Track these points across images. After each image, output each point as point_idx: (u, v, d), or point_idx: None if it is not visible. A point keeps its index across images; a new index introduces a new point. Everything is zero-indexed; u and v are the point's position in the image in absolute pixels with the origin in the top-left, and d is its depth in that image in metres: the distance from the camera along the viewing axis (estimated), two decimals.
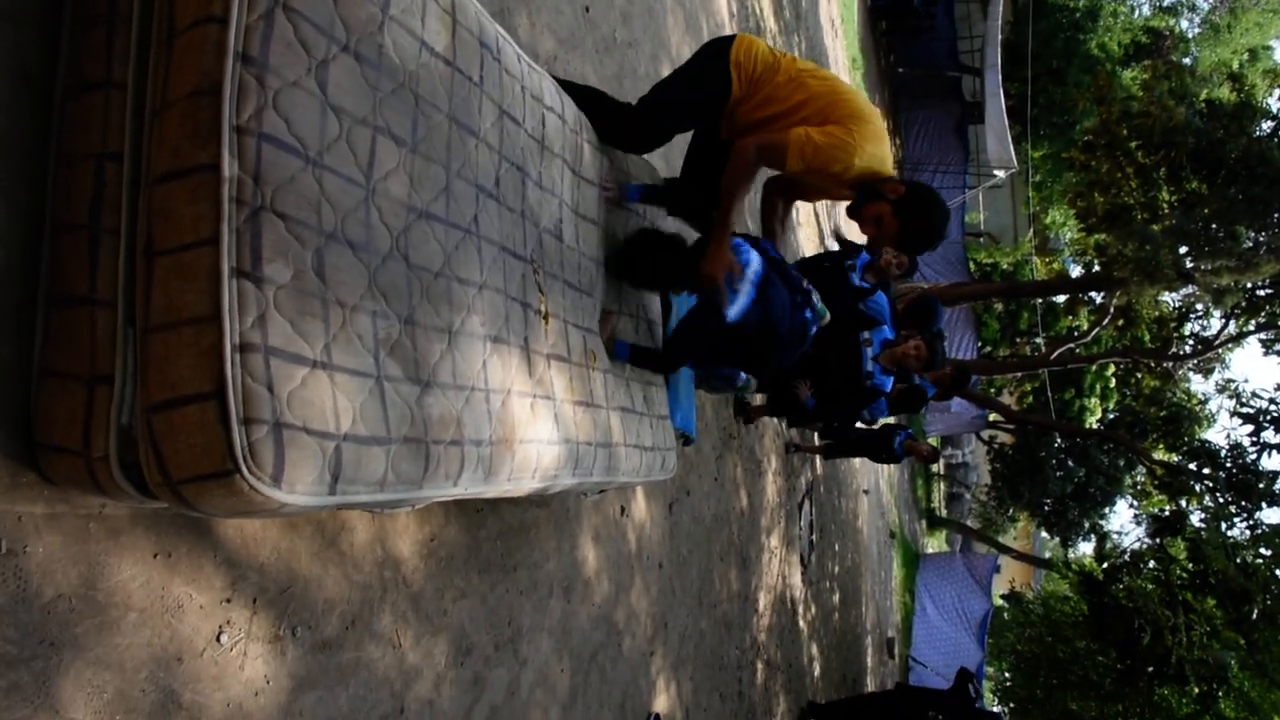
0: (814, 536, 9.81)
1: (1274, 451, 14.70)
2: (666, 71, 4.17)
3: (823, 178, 3.36)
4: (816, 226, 12.22)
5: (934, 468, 38.02)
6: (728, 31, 7.86)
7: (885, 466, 20.66)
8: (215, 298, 1.56)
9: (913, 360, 6.19)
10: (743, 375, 4.97)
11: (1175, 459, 18.32)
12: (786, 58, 3.39)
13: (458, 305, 2.21)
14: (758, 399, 7.76)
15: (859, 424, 8.73)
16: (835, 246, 12.95)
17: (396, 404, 1.90)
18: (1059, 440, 25.51)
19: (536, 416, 2.52)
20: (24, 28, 1.73)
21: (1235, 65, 22.90)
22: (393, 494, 1.87)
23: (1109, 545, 19.28)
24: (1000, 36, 20.60)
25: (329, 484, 1.68)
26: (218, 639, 1.99)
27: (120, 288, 1.65)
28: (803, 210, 11.07)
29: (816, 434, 9.59)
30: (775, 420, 8.59)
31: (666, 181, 4.01)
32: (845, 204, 3.60)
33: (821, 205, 13.16)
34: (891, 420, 9.16)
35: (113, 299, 1.65)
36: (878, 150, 3.24)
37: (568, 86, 3.54)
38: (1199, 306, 19.10)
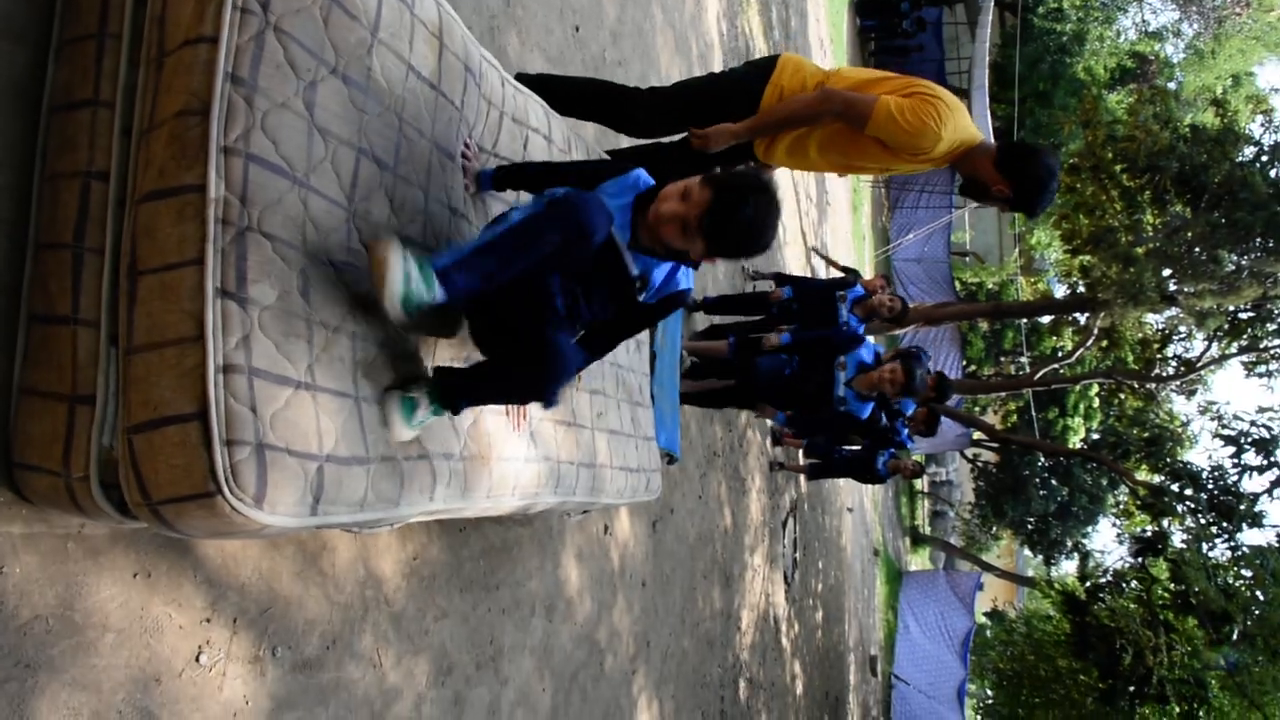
0: (797, 554, 9.80)
1: (1255, 473, 14.76)
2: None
3: (889, 151, 3.30)
4: (803, 244, 12.25)
5: (918, 485, 38.06)
6: (717, 52, 7.91)
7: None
8: (199, 318, 1.55)
9: (889, 385, 6.07)
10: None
11: (1157, 479, 18.38)
12: (841, 70, 3.43)
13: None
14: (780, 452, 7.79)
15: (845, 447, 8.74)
16: (821, 267, 13.00)
17: (372, 424, 1.90)
18: (1042, 459, 25.59)
19: (512, 434, 2.52)
20: (15, 44, 1.72)
21: (1219, 90, 23.05)
22: (372, 513, 1.86)
23: (1091, 564, 19.32)
24: (988, 58, 20.72)
25: (311, 505, 1.67)
26: (197, 659, 1.98)
27: (104, 307, 1.64)
28: (789, 228, 11.11)
29: (801, 453, 9.57)
30: (760, 439, 8.59)
31: (614, 152, 4.00)
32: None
33: (809, 224, 13.20)
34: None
35: (96, 318, 1.64)
36: (961, 119, 3.23)
37: (570, 80, 3.57)
38: (1182, 329, 19.17)
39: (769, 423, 8.88)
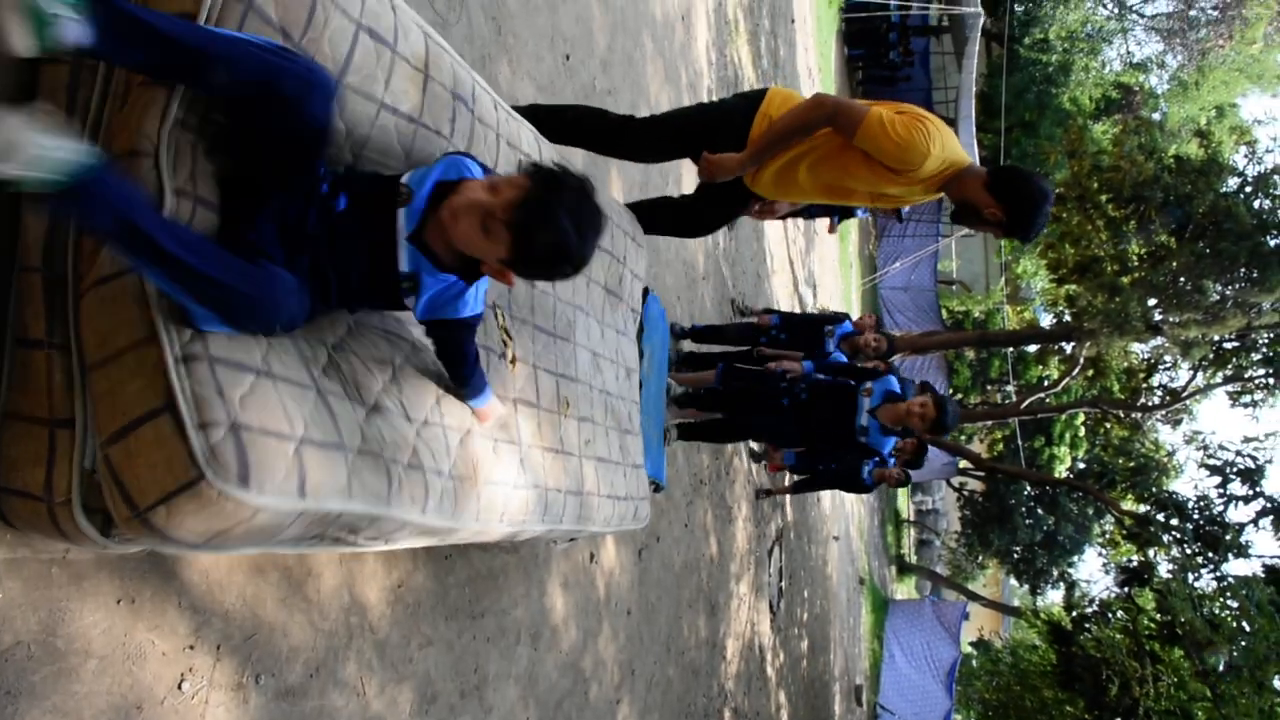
0: (783, 583, 9.78)
1: (1240, 503, 14.81)
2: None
3: (878, 170, 3.31)
4: (791, 274, 12.30)
5: (904, 514, 38.05)
6: (706, 80, 7.95)
7: (855, 512, 20.68)
8: (148, 319, 1.55)
9: (918, 420, 5.55)
10: None
11: (1143, 509, 18.43)
12: None
13: (398, 343, 2.24)
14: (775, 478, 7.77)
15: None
16: (809, 295, 13.04)
17: (344, 417, 1.88)
18: (1029, 488, 25.64)
19: (500, 459, 2.51)
20: None
21: (1203, 122, 23.30)
22: (361, 504, 1.82)
23: (1077, 594, 19.31)
24: (974, 88, 20.88)
25: (298, 485, 1.64)
26: (179, 687, 1.96)
27: (71, 330, 1.64)
28: (776, 257, 11.15)
29: (788, 474, 9.48)
30: (746, 466, 8.59)
31: (648, 201, 4.08)
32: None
33: (796, 253, 13.25)
34: None
35: (68, 343, 1.64)
36: (950, 141, 3.25)
37: (560, 109, 3.60)
38: (1167, 358, 19.28)
39: (753, 446, 8.81)
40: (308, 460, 1.68)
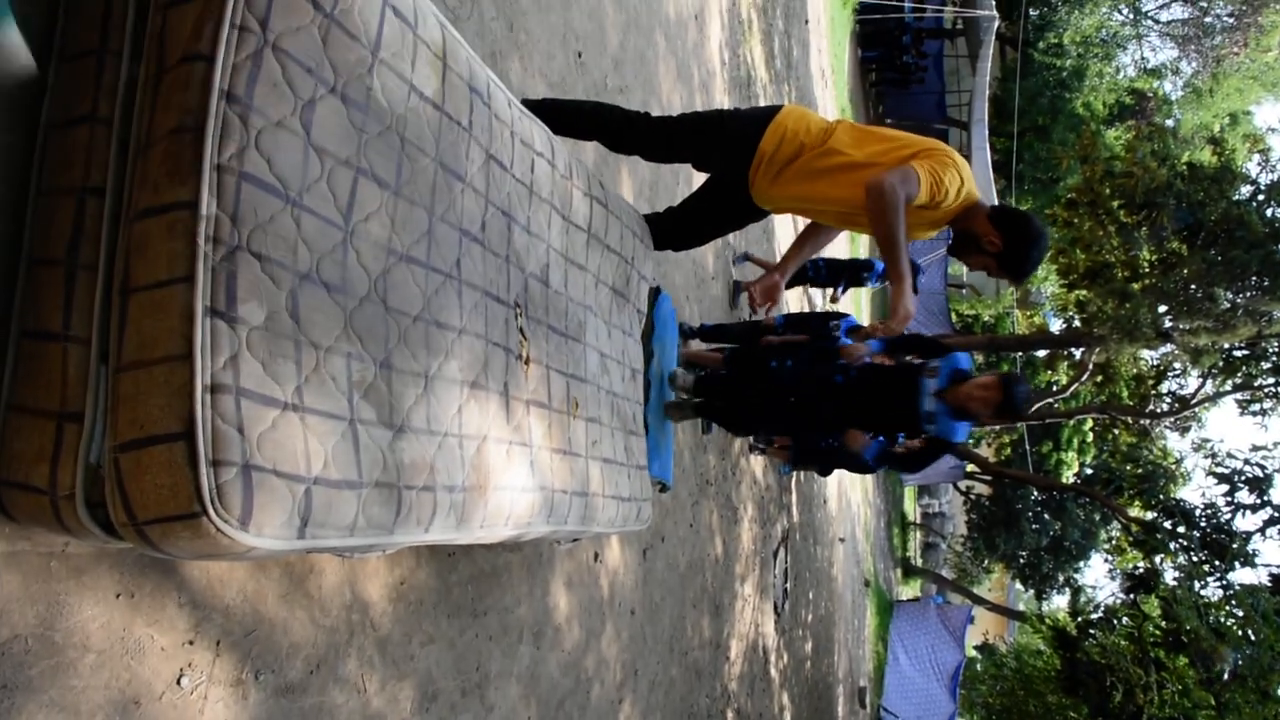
0: (788, 584, 9.76)
1: (1248, 512, 14.78)
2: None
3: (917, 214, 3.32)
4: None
5: (910, 517, 37.99)
6: (719, 80, 7.94)
7: (862, 514, 20.65)
8: (188, 336, 1.54)
9: (979, 404, 4.68)
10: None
11: (1150, 516, 18.38)
12: (844, 121, 3.47)
13: (435, 350, 2.19)
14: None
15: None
16: (819, 295, 13.01)
17: (370, 448, 1.88)
18: (1035, 493, 25.59)
19: (512, 463, 2.49)
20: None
21: (1216, 129, 23.21)
22: (363, 539, 1.84)
23: (1083, 600, 19.28)
24: (987, 92, 20.85)
25: (298, 528, 1.65)
26: (178, 682, 1.95)
27: (95, 325, 1.63)
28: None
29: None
30: (752, 467, 8.56)
31: (653, 215, 4.05)
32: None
33: None
34: None
35: (87, 335, 1.63)
36: (968, 174, 3.30)
37: (572, 104, 3.59)
38: (1177, 366, 19.25)
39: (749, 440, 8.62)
40: (316, 503, 1.68)
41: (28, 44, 1.74)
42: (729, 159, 3.53)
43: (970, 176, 3.33)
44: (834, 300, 9.21)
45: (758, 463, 8.85)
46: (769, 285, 3.98)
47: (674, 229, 4.06)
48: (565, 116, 3.44)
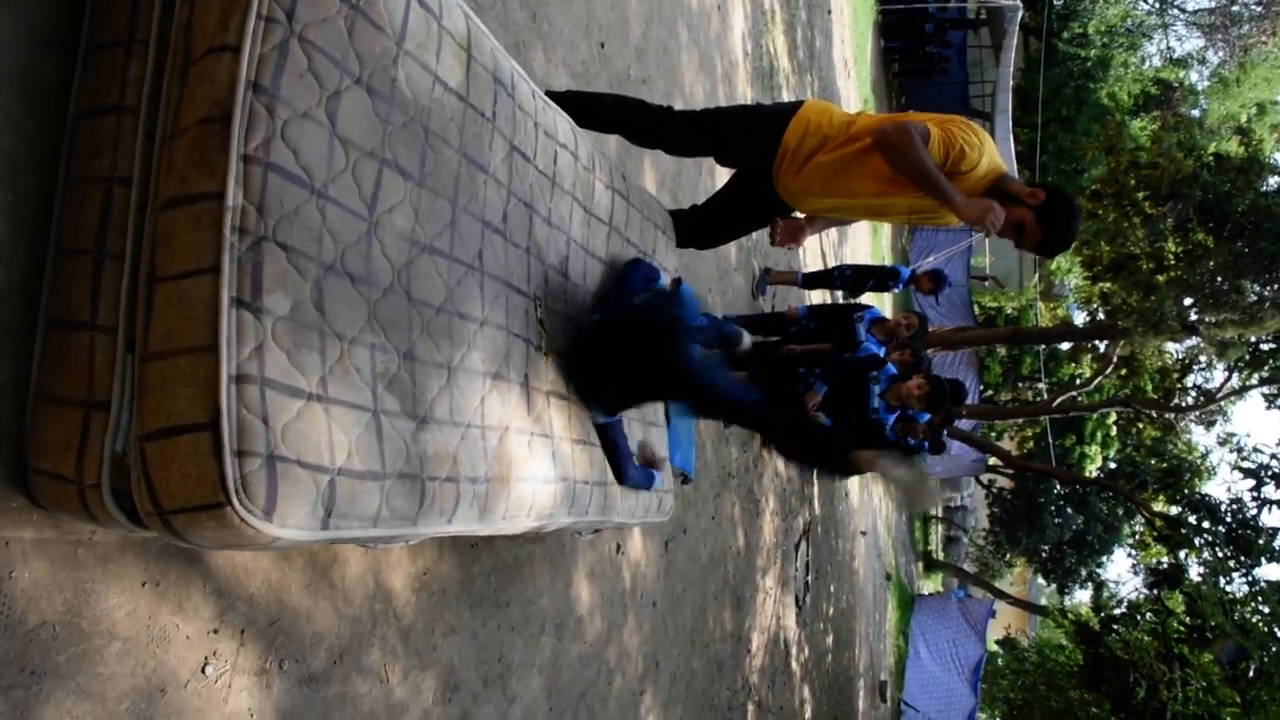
0: (810, 577, 9.74)
1: (1274, 507, 14.65)
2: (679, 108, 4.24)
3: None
4: (824, 267, 12.22)
5: (932, 510, 37.86)
6: (742, 71, 7.91)
7: (883, 507, 20.59)
8: (214, 327, 1.54)
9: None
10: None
11: (1175, 511, 18.25)
12: (865, 112, 3.45)
13: (458, 341, 2.20)
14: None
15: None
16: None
17: (393, 438, 1.89)
18: (1058, 487, 25.45)
19: (534, 454, 2.50)
20: (43, 48, 1.72)
21: (1243, 119, 22.97)
22: (386, 529, 1.85)
23: (1106, 595, 19.18)
24: (1011, 82, 20.71)
25: (322, 518, 1.66)
26: (203, 670, 1.96)
27: (122, 314, 1.63)
28: (809, 250, 11.08)
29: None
30: (773, 459, 8.55)
31: (678, 212, 4.03)
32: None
33: (829, 245, 13.18)
34: None
35: (114, 325, 1.63)
36: (991, 146, 3.25)
37: (595, 97, 3.58)
38: (1202, 359, 19.08)
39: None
40: (340, 493, 1.69)
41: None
42: (753, 154, 3.51)
43: (994, 149, 3.27)
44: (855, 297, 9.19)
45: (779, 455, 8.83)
46: (794, 225, 3.92)
47: (698, 227, 4.04)
48: (587, 109, 3.42)
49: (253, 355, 1.58)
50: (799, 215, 3.93)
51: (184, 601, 1.92)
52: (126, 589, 1.80)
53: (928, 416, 7.43)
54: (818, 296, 11.03)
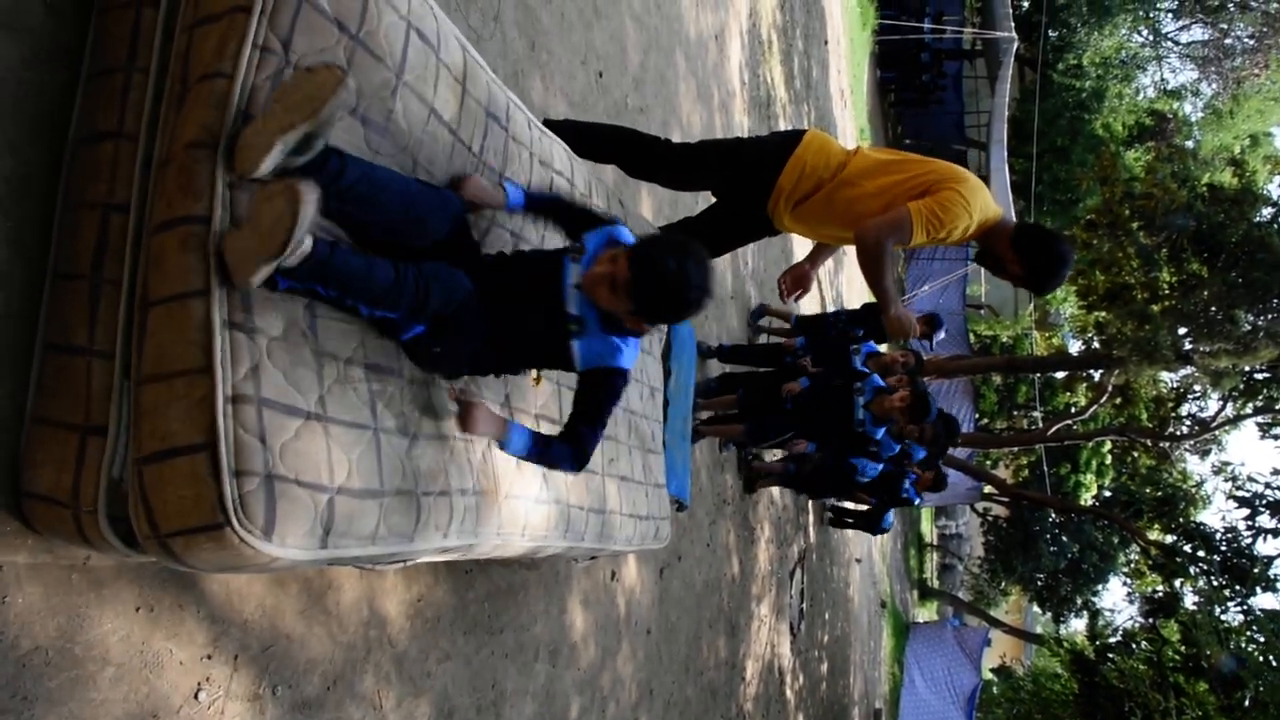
0: (804, 605, 9.71)
1: (1269, 536, 14.64)
2: (676, 139, 4.24)
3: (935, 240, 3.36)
4: (819, 294, 12.25)
5: (927, 538, 37.77)
6: (739, 100, 7.95)
7: (878, 536, 20.53)
8: (207, 349, 1.55)
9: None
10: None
11: (1169, 540, 18.23)
12: (862, 149, 3.44)
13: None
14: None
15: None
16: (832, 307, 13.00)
17: (390, 456, 1.89)
18: (1053, 515, 25.39)
19: (523, 473, 2.50)
20: (46, 75, 1.74)
21: (1237, 150, 23.09)
22: (384, 547, 1.84)
23: (1101, 623, 19.13)
24: (1007, 113, 20.80)
25: (320, 537, 1.66)
26: (195, 696, 1.96)
27: (119, 339, 1.64)
28: None
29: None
30: (771, 491, 8.54)
31: (669, 226, 4.04)
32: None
33: (824, 273, 13.21)
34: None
35: (111, 350, 1.64)
36: (984, 199, 3.27)
37: (592, 127, 3.59)
38: (1197, 388, 19.11)
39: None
40: (338, 512, 1.69)
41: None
42: (747, 191, 3.51)
43: (988, 200, 3.29)
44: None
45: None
46: (799, 274, 3.96)
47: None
48: (584, 139, 3.43)
49: (249, 375, 1.59)
50: (805, 264, 4.00)
51: (178, 627, 1.92)
52: (120, 614, 1.80)
53: (924, 453, 7.47)
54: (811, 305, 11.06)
